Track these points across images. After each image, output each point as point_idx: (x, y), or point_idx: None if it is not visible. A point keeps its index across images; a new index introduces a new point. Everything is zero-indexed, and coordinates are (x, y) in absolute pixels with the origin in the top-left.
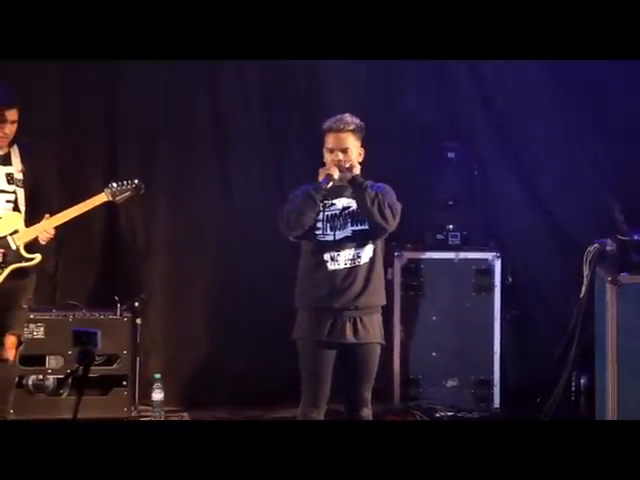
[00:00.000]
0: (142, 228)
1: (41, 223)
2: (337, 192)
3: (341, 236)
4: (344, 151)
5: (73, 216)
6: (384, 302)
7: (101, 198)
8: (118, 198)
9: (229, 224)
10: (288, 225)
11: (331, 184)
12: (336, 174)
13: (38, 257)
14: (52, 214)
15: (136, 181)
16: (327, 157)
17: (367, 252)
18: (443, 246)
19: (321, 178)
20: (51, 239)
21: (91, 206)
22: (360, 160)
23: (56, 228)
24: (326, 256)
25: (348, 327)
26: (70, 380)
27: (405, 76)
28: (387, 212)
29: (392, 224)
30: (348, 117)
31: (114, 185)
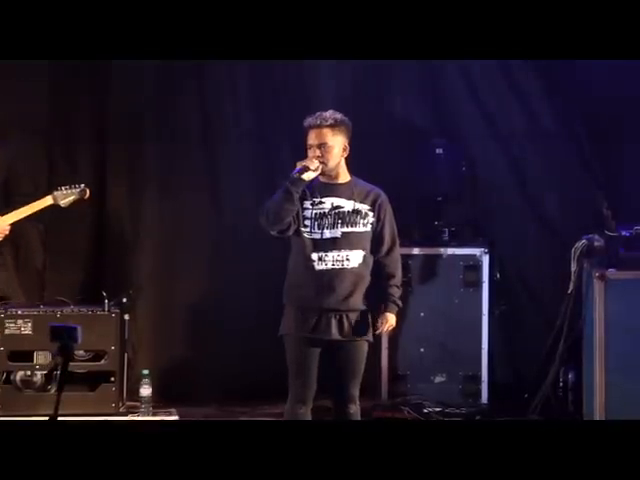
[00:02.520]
0: (130, 225)
1: None
2: (327, 190)
3: (329, 236)
4: (322, 146)
5: (21, 217)
6: (369, 307)
7: (46, 201)
8: (63, 202)
9: (218, 222)
10: (268, 219)
11: (310, 175)
12: (313, 166)
13: None
14: (2, 214)
15: (82, 185)
16: (308, 154)
17: (357, 256)
18: (431, 242)
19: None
20: (6, 236)
21: (36, 208)
22: (345, 155)
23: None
24: (314, 256)
25: (334, 324)
26: (57, 375)
27: (393, 73)
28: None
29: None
30: (327, 113)
31: (61, 188)
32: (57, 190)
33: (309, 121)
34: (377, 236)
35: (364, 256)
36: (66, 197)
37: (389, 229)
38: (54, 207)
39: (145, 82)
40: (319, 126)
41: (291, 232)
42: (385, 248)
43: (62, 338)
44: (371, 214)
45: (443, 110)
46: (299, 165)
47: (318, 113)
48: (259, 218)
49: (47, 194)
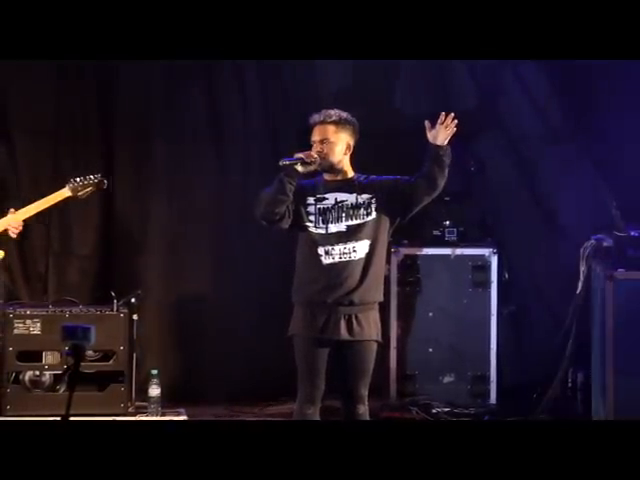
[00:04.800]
0: (138, 225)
1: (5, 218)
2: (330, 187)
3: (334, 230)
4: (324, 141)
5: (37, 211)
6: (381, 298)
7: (63, 194)
8: (80, 193)
9: (226, 221)
10: (259, 209)
11: (307, 168)
12: (308, 159)
13: (1, 254)
14: (17, 209)
15: (99, 175)
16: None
17: (363, 247)
18: (440, 242)
19: None
20: (20, 232)
21: (53, 201)
22: (348, 154)
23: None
24: (320, 250)
25: (342, 324)
26: (67, 376)
27: (401, 73)
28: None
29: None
30: (333, 111)
31: (77, 180)
32: (72, 182)
33: (314, 118)
34: (398, 190)
35: (369, 245)
36: (84, 188)
37: (387, 178)
38: (71, 199)
39: (152, 82)
40: (322, 122)
41: (285, 225)
42: (403, 181)
43: (77, 338)
44: (373, 200)
45: (451, 109)
46: (295, 155)
47: (324, 110)
48: (254, 210)
49: (62, 187)
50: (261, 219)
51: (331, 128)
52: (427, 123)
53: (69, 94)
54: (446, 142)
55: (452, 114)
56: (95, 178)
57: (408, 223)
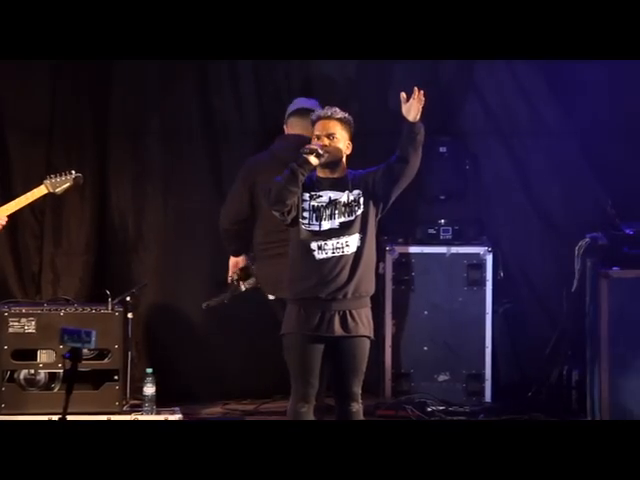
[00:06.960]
0: (133, 224)
1: None
2: (325, 185)
3: (327, 227)
4: (330, 136)
5: (16, 209)
6: (372, 291)
7: (41, 190)
8: (58, 190)
9: None
10: (269, 199)
11: (317, 160)
12: (321, 150)
13: None
14: None
15: (73, 172)
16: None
17: (354, 241)
18: (435, 240)
19: None
20: (3, 227)
21: (32, 199)
22: (347, 153)
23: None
24: (313, 245)
25: (336, 320)
26: (62, 375)
27: (397, 71)
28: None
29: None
30: (336, 108)
31: (53, 177)
32: (49, 179)
33: (317, 114)
34: (378, 176)
35: (360, 238)
36: (60, 185)
37: (370, 169)
38: (50, 195)
39: (147, 81)
40: (329, 117)
41: (289, 219)
42: (381, 167)
43: (80, 341)
44: (362, 193)
45: (447, 108)
46: (307, 147)
47: (327, 106)
48: (263, 199)
49: (40, 184)
50: (270, 209)
51: (337, 124)
52: (403, 95)
53: (63, 93)
54: (418, 117)
55: (422, 90)
56: (72, 174)
57: (404, 221)
